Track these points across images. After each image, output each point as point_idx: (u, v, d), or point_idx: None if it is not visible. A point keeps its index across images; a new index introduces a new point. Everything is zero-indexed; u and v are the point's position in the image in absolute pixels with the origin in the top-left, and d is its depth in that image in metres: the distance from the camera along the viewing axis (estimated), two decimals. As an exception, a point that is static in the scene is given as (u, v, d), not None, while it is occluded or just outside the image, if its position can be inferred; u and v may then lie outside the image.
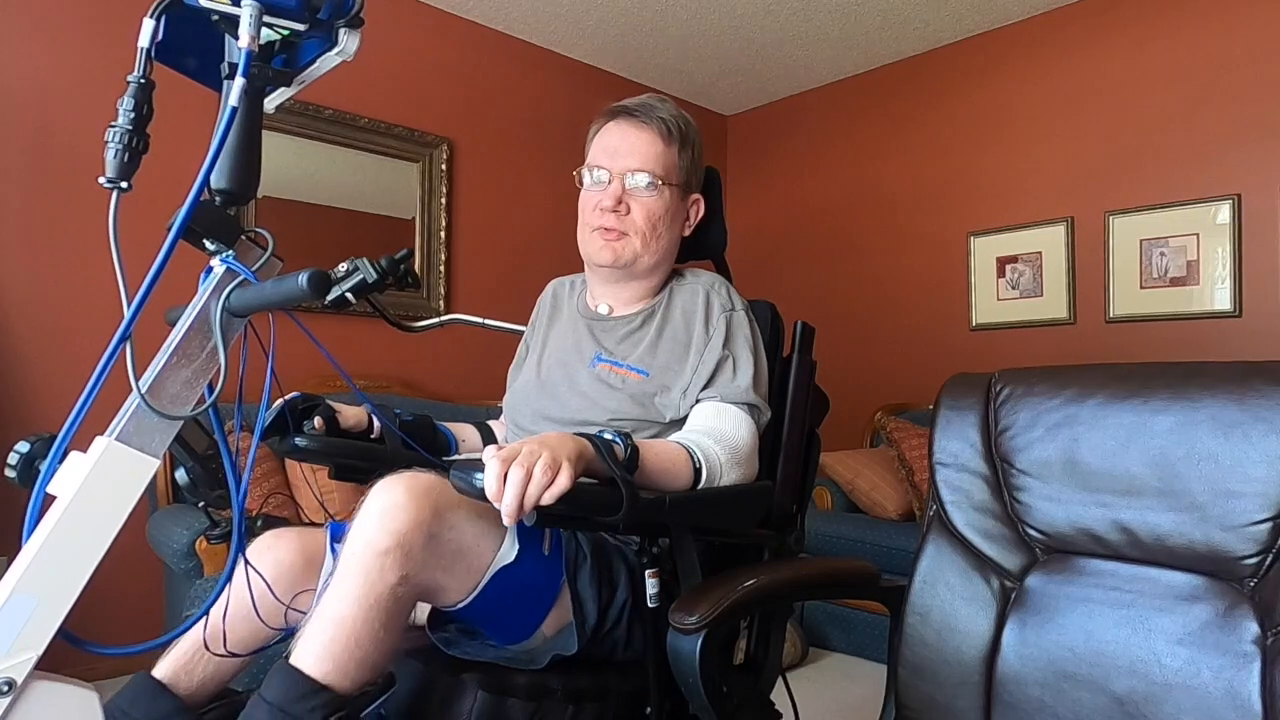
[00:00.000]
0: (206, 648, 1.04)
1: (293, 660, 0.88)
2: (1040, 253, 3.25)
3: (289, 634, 1.06)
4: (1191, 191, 2.90)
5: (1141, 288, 3.00)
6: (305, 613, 0.98)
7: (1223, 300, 2.83)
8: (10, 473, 0.82)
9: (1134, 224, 3.02)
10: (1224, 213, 2.83)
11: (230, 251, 0.88)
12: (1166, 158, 2.96)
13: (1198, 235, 2.88)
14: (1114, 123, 3.08)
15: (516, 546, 1.01)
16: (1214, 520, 0.89)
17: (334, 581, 0.92)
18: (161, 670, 1.05)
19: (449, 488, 0.96)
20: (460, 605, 1.00)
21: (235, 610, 1.04)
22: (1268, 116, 2.74)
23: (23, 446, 0.82)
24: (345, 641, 0.88)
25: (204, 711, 1.07)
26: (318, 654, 0.88)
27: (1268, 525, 0.86)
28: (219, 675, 1.09)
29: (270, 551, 1.14)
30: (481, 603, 0.99)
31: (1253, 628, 0.84)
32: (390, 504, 0.92)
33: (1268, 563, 0.85)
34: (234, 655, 1.07)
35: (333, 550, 1.16)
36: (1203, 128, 2.88)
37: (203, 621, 0.96)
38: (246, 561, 1.01)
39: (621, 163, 1.24)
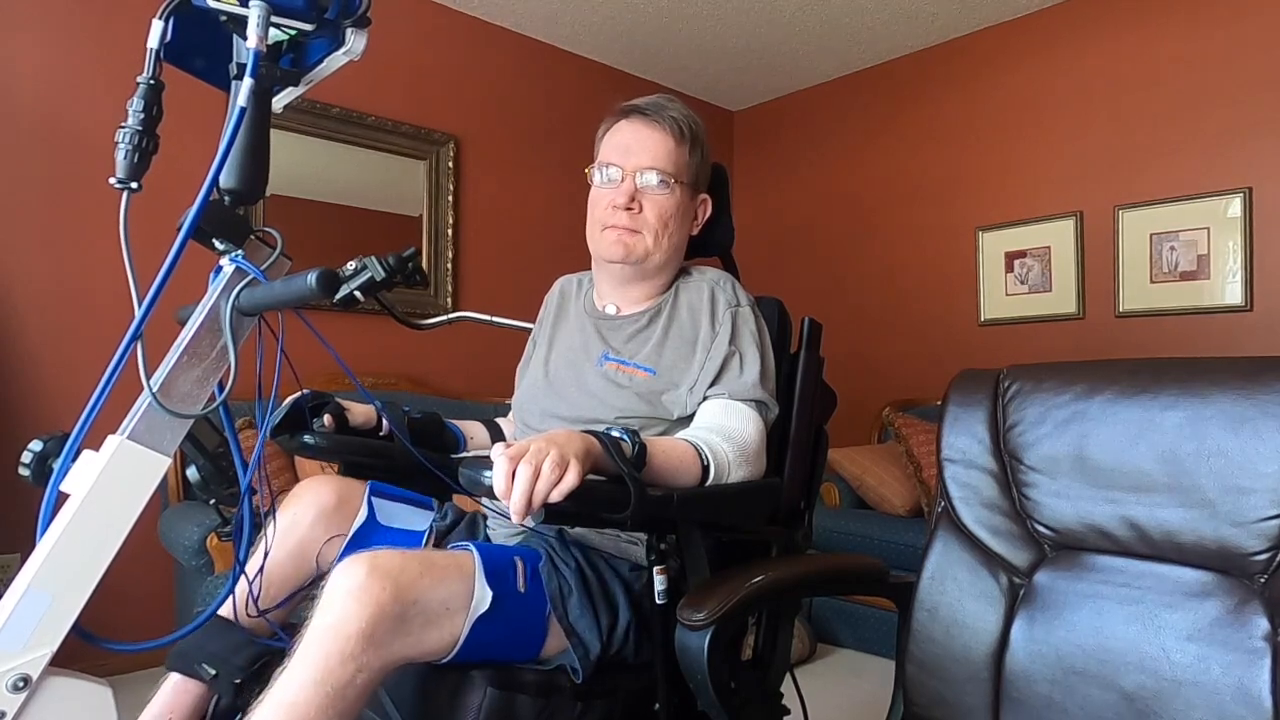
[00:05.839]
0: (246, 614, 1.08)
1: None
2: (1049, 247, 3.24)
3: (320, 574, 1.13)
4: (1202, 185, 2.87)
5: (1151, 282, 2.98)
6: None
7: (1234, 295, 2.81)
8: (24, 471, 0.82)
9: (1144, 218, 3.00)
10: (1235, 206, 2.80)
11: (239, 251, 0.89)
12: (1177, 151, 2.93)
13: (1208, 229, 2.86)
14: (1124, 116, 3.05)
15: (489, 593, 0.98)
16: (1224, 516, 0.88)
17: (290, 664, 0.88)
18: (224, 611, 1.09)
19: (412, 561, 0.95)
20: (446, 660, 0.97)
21: (267, 567, 1.10)
22: (1279, 109, 2.72)
23: (36, 445, 0.82)
24: None
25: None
26: None
27: (1278, 521, 0.85)
28: (275, 615, 1.14)
29: (310, 492, 1.20)
30: (467, 652, 0.97)
31: (1263, 624, 0.84)
32: (353, 587, 0.89)
33: (1278, 559, 0.85)
34: (264, 614, 1.11)
35: (369, 503, 1.21)
36: (1213, 120, 2.85)
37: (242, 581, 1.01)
38: (245, 572, 1.01)
39: (634, 160, 1.24)
